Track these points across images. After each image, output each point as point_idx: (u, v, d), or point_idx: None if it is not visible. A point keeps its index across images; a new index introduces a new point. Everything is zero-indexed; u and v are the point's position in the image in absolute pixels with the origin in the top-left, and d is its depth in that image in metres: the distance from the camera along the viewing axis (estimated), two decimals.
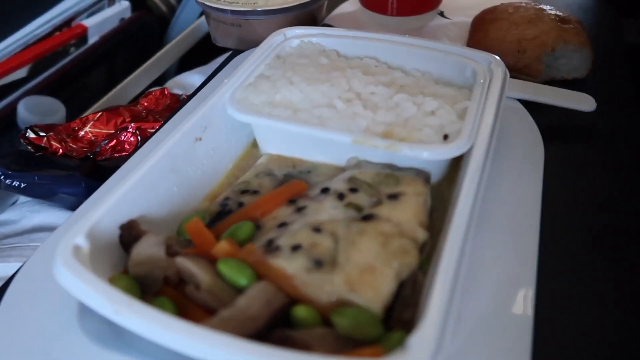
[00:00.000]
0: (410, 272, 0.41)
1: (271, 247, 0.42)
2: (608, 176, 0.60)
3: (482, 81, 0.55)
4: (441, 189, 0.52)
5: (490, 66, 0.57)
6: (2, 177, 0.62)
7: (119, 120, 0.79)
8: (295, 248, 0.41)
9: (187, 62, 1.14)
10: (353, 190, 0.47)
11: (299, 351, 0.33)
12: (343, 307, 0.38)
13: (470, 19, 0.84)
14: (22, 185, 0.62)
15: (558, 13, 0.74)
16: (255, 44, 0.66)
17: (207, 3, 0.79)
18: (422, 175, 0.50)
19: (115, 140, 0.72)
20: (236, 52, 0.80)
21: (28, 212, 0.67)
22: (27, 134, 0.71)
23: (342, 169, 0.53)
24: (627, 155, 0.62)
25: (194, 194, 0.52)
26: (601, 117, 0.65)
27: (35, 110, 0.88)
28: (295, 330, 0.37)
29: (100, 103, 0.93)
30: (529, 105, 0.64)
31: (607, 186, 0.58)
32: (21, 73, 0.94)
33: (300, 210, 0.46)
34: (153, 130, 0.70)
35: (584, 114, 0.64)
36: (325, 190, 0.48)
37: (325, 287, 0.39)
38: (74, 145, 0.72)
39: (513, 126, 0.61)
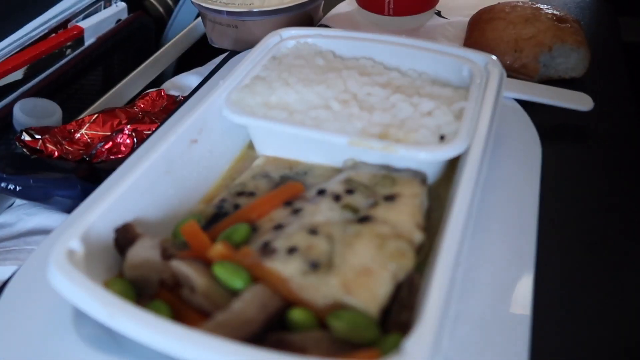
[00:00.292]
0: (407, 274, 0.41)
1: (267, 249, 0.42)
2: (606, 176, 0.60)
3: (478, 81, 0.55)
4: (438, 190, 0.51)
5: (487, 66, 0.57)
6: None
7: (115, 122, 0.79)
8: (291, 250, 0.41)
9: (184, 63, 1.14)
10: (349, 191, 0.47)
11: (294, 355, 0.32)
12: (339, 310, 0.37)
13: (467, 19, 0.84)
14: (18, 188, 0.62)
15: (555, 12, 0.74)
16: (251, 44, 0.66)
17: (203, 4, 0.79)
18: (418, 176, 0.49)
19: (111, 142, 0.72)
20: (232, 53, 0.80)
21: (24, 215, 0.66)
22: (23, 137, 0.70)
23: (338, 171, 0.53)
24: (625, 154, 0.62)
25: (190, 196, 0.51)
26: (599, 116, 0.65)
27: (31, 113, 0.87)
28: (291, 333, 0.36)
29: (96, 105, 0.92)
30: (526, 104, 0.64)
31: (605, 186, 0.58)
32: (17, 75, 0.93)
33: (296, 212, 0.46)
34: (149, 132, 0.70)
35: (582, 113, 0.64)
36: (321, 192, 0.48)
37: (321, 290, 0.38)
38: (69, 148, 0.72)
39: (510, 126, 0.61)
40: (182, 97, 0.91)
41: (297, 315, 0.37)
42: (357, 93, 0.54)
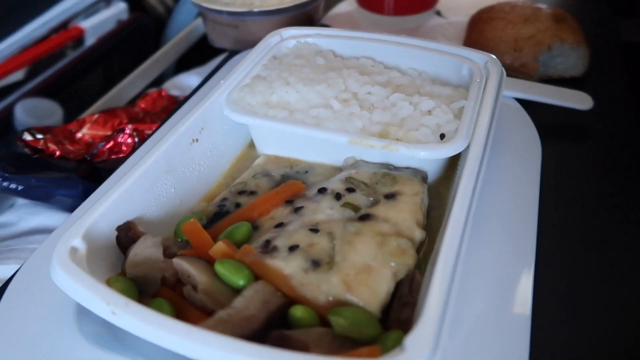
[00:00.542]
0: (408, 271, 0.41)
1: (268, 247, 0.42)
2: (605, 174, 0.60)
3: (478, 80, 0.55)
4: (439, 188, 0.52)
5: (486, 65, 0.57)
6: (0, 179, 0.62)
7: (116, 122, 0.79)
8: (293, 248, 0.41)
9: (185, 62, 1.14)
10: (350, 190, 0.47)
11: (296, 352, 0.33)
12: (340, 307, 0.38)
13: (467, 18, 0.84)
14: (20, 187, 0.62)
15: (554, 12, 0.74)
16: (251, 44, 0.66)
17: (204, 4, 0.79)
18: (419, 174, 0.50)
19: (112, 142, 0.72)
20: (233, 53, 0.80)
21: (26, 214, 0.67)
22: (24, 137, 0.71)
23: (339, 169, 0.53)
24: (624, 153, 0.62)
25: (191, 195, 0.52)
26: (598, 115, 0.65)
27: (32, 113, 0.88)
28: (292, 330, 0.37)
29: (97, 105, 0.92)
30: (526, 103, 0.64)
31: (605, 184, 0.58)
32: (18, 75, 0.94)
33: (297, 210, 0.46)
34: (150, 132, 0.70)
35: (581, 112, 0.64)
36: (322, 191, 0.48)
37: (322, 287, 0.39)
38: (71, 147, 0.72)
39: (510, 125, 0.61)
40: (182, 96, 0.91)
41: (298, 312, 0.38)
42: (358, 92, 0.55)
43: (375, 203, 0.46)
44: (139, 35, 1.16)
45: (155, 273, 0.41)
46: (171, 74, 1.10)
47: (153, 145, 0.50)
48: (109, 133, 0.75)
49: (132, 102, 0.94)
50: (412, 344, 0.32)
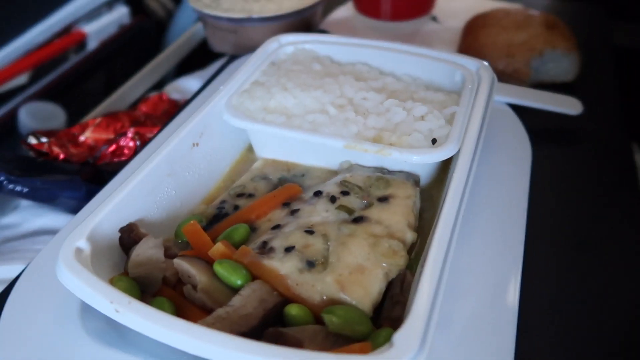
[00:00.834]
0: (399, 271, 0.43)
1: (265, 248, 0.43)
2: (594, 178, 0.61)
3: (470, 86, 0.56)
4: (431, 191, 0.53)
5: (478, 71, 0.59)
6: (5, 182, 0.64)
7: (118, 126, 0.80)
8: (289, 249, 0.43)
9: (185, 66, 1.15)
10: (345, 193, 0.49)
11: (290, 348, 0.34)
12: (334, 306, 0.39)
13: (462, 24, 0.86)
14: (25, 190, 0.64)
15: (547, 18, 0.76)
16: (250, 49, 0.68)
17: (204, 10, 0.81)
18: (411, 178, 0.51)
19: (114, 145, 0.73)
20: (232, 57, 0.82)
21: (30, 216, 0.68)
22: (29, 140, 0.72)
23: (335, 173, 0.54)
24: (613, 156, 0.64)
25: (192, 197, 0.53)
26: (588, 120, 0.66)
27: (36, 116, 0.89)
28: (288, 327, 0.38)
29: (100, 108, 0.94)
30: (518, 108, 0.66)
31: (593, 187, 0.60)
32: (22, 79, 0.95)
33: (293, 212, 0.48)
34: (151, 135, 0.72)
35: (571, 117, 0.66)
36: (318, 193, 0.49)
37: (316, 287, 0.40)
38: (74, 151, 0.73)
39: (502, 129, 0.62)
40: (183, 100, 0.92)
41: (293, 310, 0.39)
42: (353, 98, 0.56)
43: (368, 206, 0.48)
44: (141, 39, 1.18)
45: (157, 273, 0.43)
46: (172, 77, 1.12)
47: (155, 149, 0.52)
48: (112, 136, 0.77)
49: (134, 105, 0.95)
50: (401, 341, 0.34)
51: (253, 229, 0.48)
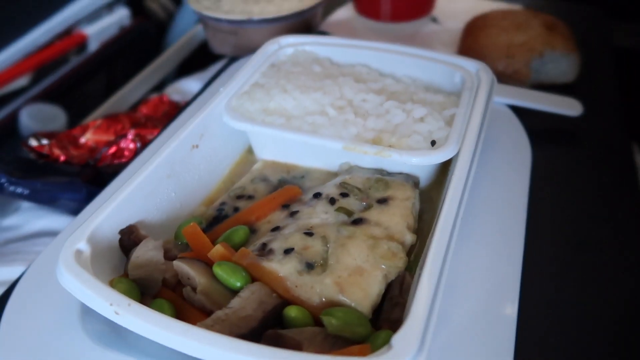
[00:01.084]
0: (398, 273, 0.43)
1: (265, 250, 0.44)
2: (593, 179, 0.61)
3: (469, 88, 0.56)
4: (431, 193, 0.53)
5: (478, 73, 0.59)
6: (6, 183, 0.64)
7: (119, 127, 0.80)
8: (288, 251, 0.43)
9: (186, 67, 1.16)
10: (344, 195, 0.49)
11: (289, 350, 0.34)
12: (333, 308, 0.39)
13: (462, 25, 0.86)
14: (26, 192, 0.64)
15: (546, 19, 0.76)
16: (251, 51, 0.68)
17: (204, 12, 0.81)
18: (411, 180, 0.51)
19: (115, 147, 0.74)
20: (232, 59, 0.82)
21: (31, 218, 0.68)
22: (30, 142, 0.72)
23: (334, 174, 0.54)
24: (612, 157, 0.64)
25: (191, 199, 0.53)
26: (588, 121, 0.66)
27: (37, 118, 0.90)
28: (287, 329, 0.38)
29: (100, 110, 0.94)
30: (517, 109, 0.66)
31: (593, 188, 0.60)
32: (23, 81, 0.96)
33: (293, 214, 0.48)
34: (152, 137, 0.72)
35: (571, 118, 0.66)
36: (317, 195, 0.50)
37: (316, 289, 0.40)
38: (75, 152, 0.73)
39: (502, 130, 0.62)
40: (183, 102, 0.93)
41: (292, 312, 0.39)
42: (353, 99, 0.56)
43: (368, 207, 0.48)
44: (141, 40, 1.18)
45: (157, 275, 0.43)
46: (172, 79, 1.12)
47: (155, 150, 0.52)
48: (112, 138, 0.77)
49: (135, 106, 0.96)
50: (400, 342, 0.34)
51: (253, 231, 0.48)
